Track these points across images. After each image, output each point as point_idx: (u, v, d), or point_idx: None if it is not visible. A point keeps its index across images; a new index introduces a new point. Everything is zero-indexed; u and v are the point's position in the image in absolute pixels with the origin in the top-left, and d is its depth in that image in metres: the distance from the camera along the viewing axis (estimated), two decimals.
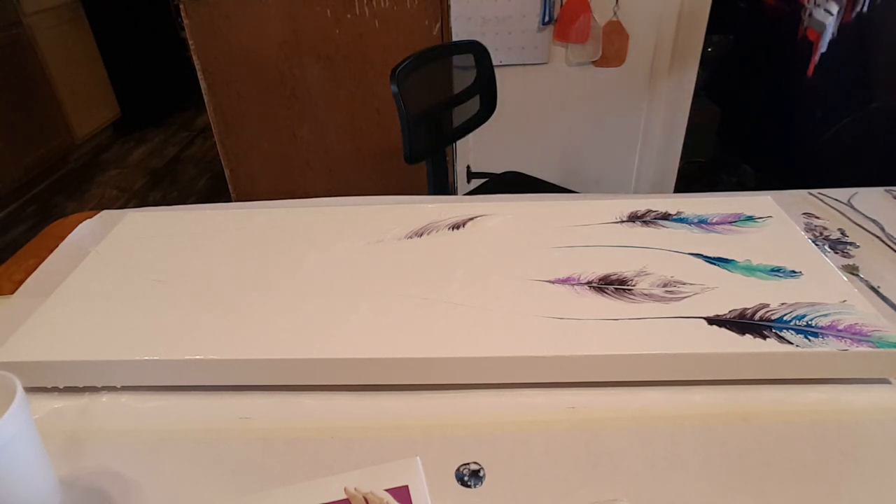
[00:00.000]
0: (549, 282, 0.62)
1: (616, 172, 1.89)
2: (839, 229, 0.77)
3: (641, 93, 1.79)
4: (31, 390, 0.49)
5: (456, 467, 0.48)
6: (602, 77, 1.77)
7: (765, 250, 0.66)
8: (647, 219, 0.73)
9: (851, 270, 0.68)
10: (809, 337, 0.53)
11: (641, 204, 0.76)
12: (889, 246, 0.73)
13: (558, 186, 1.57)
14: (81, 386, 0.56)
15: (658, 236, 0.70)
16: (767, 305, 0.57)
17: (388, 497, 0.44)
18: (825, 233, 0.76)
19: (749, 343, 0.53)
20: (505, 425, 0.52)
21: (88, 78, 3.00)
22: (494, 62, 1.43)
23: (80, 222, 0.83)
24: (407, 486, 0.45)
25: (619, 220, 0.74)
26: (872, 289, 0.65)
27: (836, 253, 0.72)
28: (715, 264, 0.64)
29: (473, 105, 1.44)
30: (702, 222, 0.72)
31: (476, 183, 1.62)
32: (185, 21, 1.56)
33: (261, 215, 0.78)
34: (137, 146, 3.17)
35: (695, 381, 0.54)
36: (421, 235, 0.72)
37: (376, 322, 0.58)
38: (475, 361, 0.54)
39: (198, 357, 0.54)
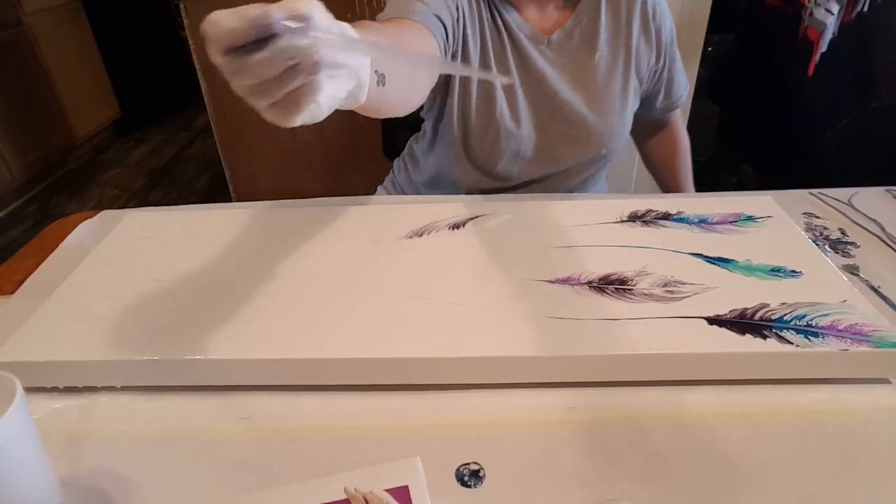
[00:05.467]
0: (549, 282, 0.62)
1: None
2: (839, 229, 0.77)
3: None
4: (30, 390, 0.49)
5: (456, 467, 0.48)
6: None
7: (765, 250, 0.66)
8: (648, 218, 0.73)
9: (852, 270, 0.68)
10: (810, 337, 0.53)
11: (642, 204, 0.76)
12: (889, 246, 0.73)
13: None
14: (81, 386, 0.56)
15: (658, 236, 0.70)
16: (768, 305, 0.57)
17: (388, 497, 0.44)
18: (825, 232, 0.76)
19: (749, 343, 0.53)
20: (505, 425, 0.51)
21: (88, 78, 2.99)
22: None
23: (80, 222, 0.83)
24: (407, 486, 0.45)
25: (619, 219, 0.73)
26: (873, 289, 0.65)
27: (837, 253, 0.72)
28: (715, 264, 0.64)
29: None
30: (702, 222, 0.72)
31: None
32: (185, 21, 1.55)
33: (261, 215, 0.78)
34: (137, 146, 3.17)
35: (695, 381, 0.54)
36: (421, 235, 0.72)
37: (376, 322, 0.58)
38: (475, 361, 0.54)
39: (198, 357, 0.54)
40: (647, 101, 0.92)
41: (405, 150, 1.04)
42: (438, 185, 0.97)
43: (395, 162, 1.06)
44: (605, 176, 1.01)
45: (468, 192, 0.94)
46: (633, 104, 0.88)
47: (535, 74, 0.83)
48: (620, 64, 0.84)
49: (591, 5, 0.82)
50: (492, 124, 0.83)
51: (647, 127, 1.02)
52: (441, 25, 0.73)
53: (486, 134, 0.84)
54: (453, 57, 0.79)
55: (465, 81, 0.82)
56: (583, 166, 0.89)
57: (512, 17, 0.81)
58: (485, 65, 0.82)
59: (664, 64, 0.89)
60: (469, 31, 0.80)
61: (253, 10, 0.34)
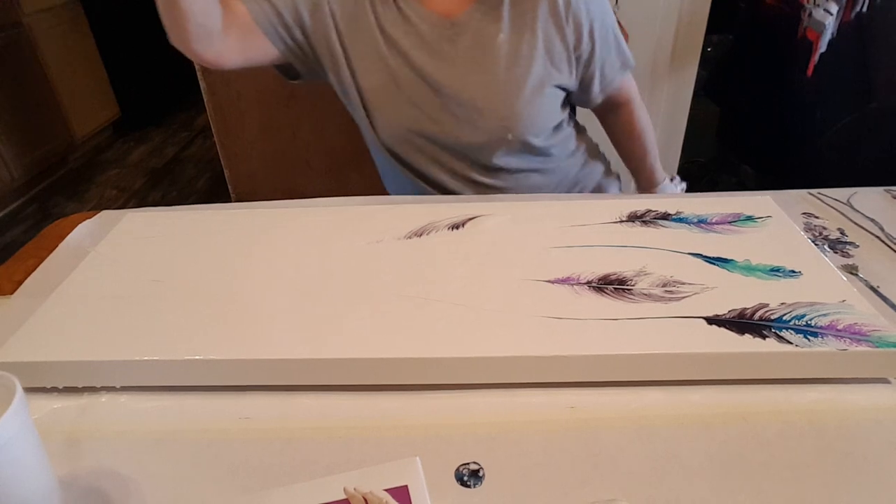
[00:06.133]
0: (549, 282, 0.62)
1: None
2: (839, 229, 0.77)
3: (641, 92, 1.78)
4: (30, 390, 0.49)
5: (455, 467, 0.48)
6: None
7: (764, 250, 0.66)
8: (647, 218, 0.73)
9: (851, 270, 0.68)
10: (809, 337, 0.53)
11: (641, 204, 0.76)
12: (888, 246, 0.73)
13: None
14: (81, 386, 0.56)
15: (657, 236, 0.70)
16: (767, 305, 0.57)
17: (388, 497, 0.44)
18: (825, 232, 0.76)
19: (748, 343, 0.53)
20: (505, 425, 0.52)
21: (88, 78, 2.99)
22: None
23: (80, 222, 0.83)
24: (406, 486, 0.45)
25: (618, 219, 0.74)
26: (872, 288, 0.65)
27: (836, 252, 0.72)
28: (714, 264, 0.64)
29: None
30: (701, 222, 0.72)
31: None
32: None
33: (261, 215, 0.78)
34: (137, 146, 3.17)
35: (694, 381, 0.54)
36: (421, 235, 0.72)
37: (376, 322, 0.58)
38: (475, 361, 0.54)
39: (197, 357, 0.54)
40: (583, 88, 0.91)
41: None
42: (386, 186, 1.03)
43: None
44: (579, 155, 1.00)
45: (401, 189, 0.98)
46: (545, 89, 0.86)
47: (435, 59, 0.84)
48: (524, 48, 0.83)
49: None
50: (385, 114, 0.87)
51: (600, 110, 1.02)
52: (281, 24, 0.84)
53: (385, 123, 0.88)
54: (315, 53, 0.88)
55: (342, 79, 0.88)
56: (491, 149, 0.88)
57: (412, 7, 0.84)
58: (374, 55, 0.86)
59: (592, 49, 0.86)
60: (343, 26, 0.86)
61: None
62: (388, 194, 1.06)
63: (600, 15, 0.86)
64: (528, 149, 0.90)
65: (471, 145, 0.88)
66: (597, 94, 0.93)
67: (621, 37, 0.91)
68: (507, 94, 0.84)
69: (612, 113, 1.02)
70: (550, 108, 0.89)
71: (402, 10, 0.84)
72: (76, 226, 0.82)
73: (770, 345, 0.53)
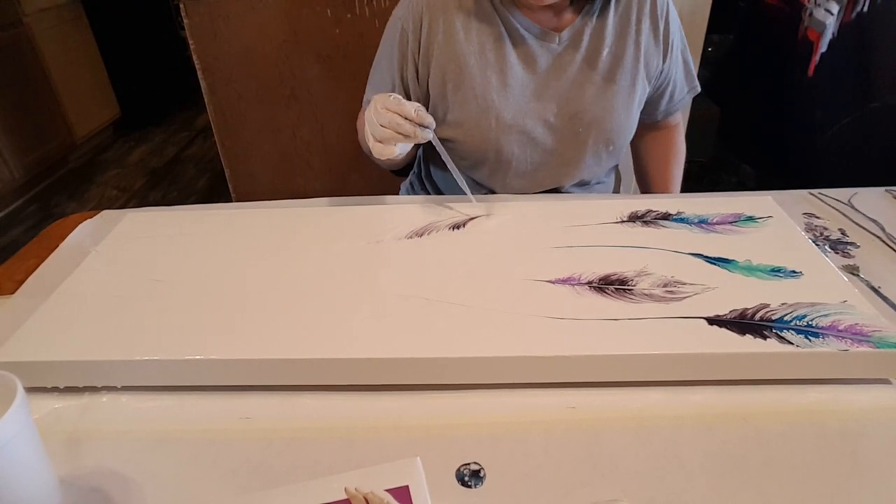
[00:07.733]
0: (550, 282, 0.62)
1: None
2: (839, 229, 0.77)
3: None
4: (31, 390, 0.49)
5: (456, 467, 0.48)
6: None
7: (765, 250, 0.66)
8: (648, 219, 0.73)
9: (852, 270, 0.68)
10: (810, 337, 0.53)
11: (642, 204, 0.76)
12: (889, 246, 0.73)
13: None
14: (81, 386, 0.56)
15: (658, 236, 0.70)
16: (768, 305, 0.57)
17: (389, 497, 0.44)
18: (825, 233, 0.76)
19: (749, 343, 0.53)
20: (505, 425, 0.51)
21: (88, 78, 2.99)
22: None
23: (81, 222, 0.83)
24: (407, 486, 0.45)
25: (619, 220, 0.73)
26: (873, 289, 0.65)
27: (837, 253, 0.72)
28: (715, 264, 0.64)
29: None
30: (702, 222, 0.72)
31: None
32: (185, 21, 1.55)
33: (261, 215, 0.78)
34: (137, 146, 3.17)
35: (695, 382, 0.54)
36: (421, 235, 0.72)
37: (376, 322, 0.58)
38: (475, 361, 0.54)
39: (198, 357, 0.54)
40: (651, 102, 0.92)
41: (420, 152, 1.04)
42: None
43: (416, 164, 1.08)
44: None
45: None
46: (639, 103, 0.87)
47: (542, 74, 0.83)
48: (629, 61, 0.84)
49: (600, 3, 0.82)
50: (488, 142, 0.85)
51: (647, 128, 1.00)
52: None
53: (486, 154, 0.86)
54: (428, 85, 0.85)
55: (459, 106, 0.84)
56: (590, 163, 0.89)
57: (518, 19, 0.81)
58: (477, 70, 0.83)
59: (671, 66, 0.88)
60: (440, 52, 0.82)
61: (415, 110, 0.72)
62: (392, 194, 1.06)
63: (679, 34, 0.87)
64: (613, 159, 0.91)
65: (575, 158, 0.87)
66: (661, 111, 0.94)
67: (691, 60, 0.91)
68: (614, 106, 0.84)
69: (660, 132, 1.00)
70: (637, 119, 0.90)
71: (507, 23, 0.82)
72: (77, 226, 0.82)
73: (771, 345, 0.53)
